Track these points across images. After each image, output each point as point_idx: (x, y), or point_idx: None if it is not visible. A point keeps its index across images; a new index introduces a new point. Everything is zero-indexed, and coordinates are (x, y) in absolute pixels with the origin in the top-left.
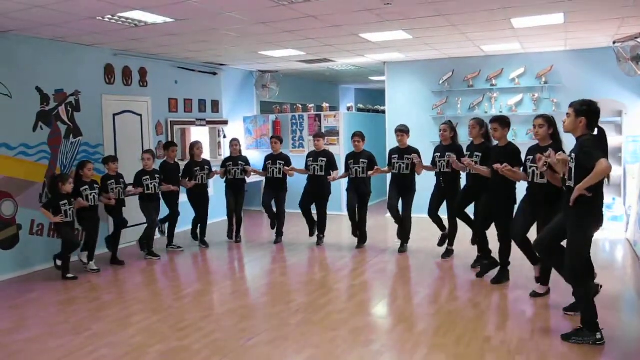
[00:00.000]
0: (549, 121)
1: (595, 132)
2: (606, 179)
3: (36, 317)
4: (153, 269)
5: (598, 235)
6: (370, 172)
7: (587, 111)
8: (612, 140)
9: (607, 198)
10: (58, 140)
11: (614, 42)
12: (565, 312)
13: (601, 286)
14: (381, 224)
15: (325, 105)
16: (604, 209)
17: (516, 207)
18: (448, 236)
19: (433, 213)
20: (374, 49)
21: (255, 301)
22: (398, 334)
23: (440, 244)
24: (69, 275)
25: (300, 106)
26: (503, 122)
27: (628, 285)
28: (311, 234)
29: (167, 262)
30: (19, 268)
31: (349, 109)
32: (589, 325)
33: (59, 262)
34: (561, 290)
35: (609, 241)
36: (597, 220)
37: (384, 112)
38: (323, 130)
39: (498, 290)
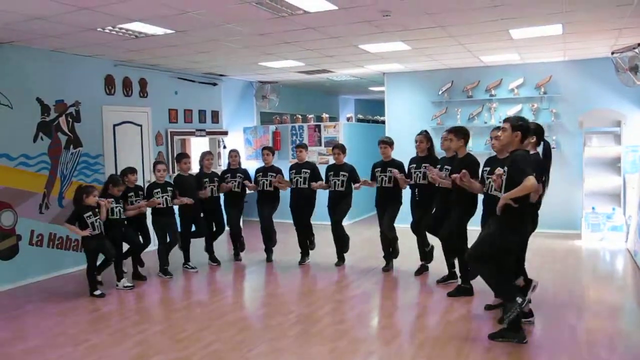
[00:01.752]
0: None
1: (541, 146)
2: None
3: (35, 328)
4: (151, 282)
5: (599, 245)
6: (355, 185)
7: (522, 126)
8: (611, 150)
9: (607, 208)
10: (58, 151)
11: (613, 53)
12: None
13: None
14: (375, 237)
15: (325, 115)
16: (605, 219)
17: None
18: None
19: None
20: (373, 59)
21: (254, 312)
22: (397, 346)
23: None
24: (96, 293)
25: (300, 117)
26: (458, 132)
27: (628, 296)
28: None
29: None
30: (18, 278)
31: (348, 119)
32: (508, 300)
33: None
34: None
35: (609, 251)
36: (520, 232)
37: (383, 122)
38: (322, 140)
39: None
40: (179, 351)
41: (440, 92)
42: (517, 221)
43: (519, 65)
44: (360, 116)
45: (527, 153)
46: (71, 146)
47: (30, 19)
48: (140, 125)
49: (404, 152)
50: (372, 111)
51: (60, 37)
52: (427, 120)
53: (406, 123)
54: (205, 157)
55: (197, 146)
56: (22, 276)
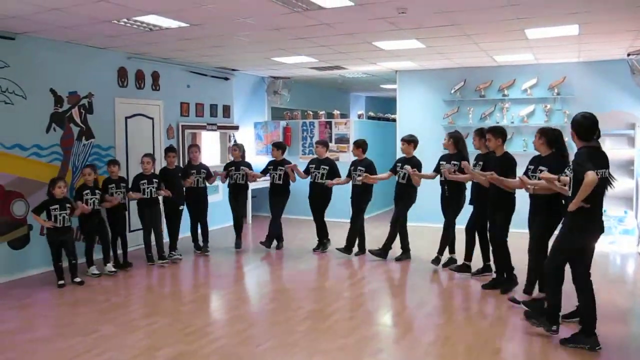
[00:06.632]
0: (542, 133)
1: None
2: (609, 186)
3: (45, 318)
4: (160, 273)
5: (610, 249)
6: (359, 178)
7: (577, 122)
8: (625, 153)
9: (619, 211)
10: (70, 142)
11: (629, 54)
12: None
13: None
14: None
15: (336, 112)
16: (616, 223)
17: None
18: (448, 245)
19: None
20: (386, 57)
21: (262, 308)
22: (406, 344)
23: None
24: (61, 282)
25: (311, 113)
26: (496, 132)
27: (638, 299)
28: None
29: (173, 267)
30: (28, 268)
31: (359, 116)
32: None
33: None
34: (571, 300)
35: (620, 255)
36: (587, 232)
37: (394, 120)
38: (333, 137)
39: (508, 301)
40: (187, 344)
41: (452, 91)
42: (583, 222)
43: (532, 66)
44: (371, 113)
45: (588, 149)
46: (83, 137)
47: (46, 10)
48: (152, 118)
49: (416, 150)
50: (382, 109)
51: (75, 28)
52: (438, 119)
53: (418, 121)
54: (190, 149)
55: (208, 140)
56: (32, 265)
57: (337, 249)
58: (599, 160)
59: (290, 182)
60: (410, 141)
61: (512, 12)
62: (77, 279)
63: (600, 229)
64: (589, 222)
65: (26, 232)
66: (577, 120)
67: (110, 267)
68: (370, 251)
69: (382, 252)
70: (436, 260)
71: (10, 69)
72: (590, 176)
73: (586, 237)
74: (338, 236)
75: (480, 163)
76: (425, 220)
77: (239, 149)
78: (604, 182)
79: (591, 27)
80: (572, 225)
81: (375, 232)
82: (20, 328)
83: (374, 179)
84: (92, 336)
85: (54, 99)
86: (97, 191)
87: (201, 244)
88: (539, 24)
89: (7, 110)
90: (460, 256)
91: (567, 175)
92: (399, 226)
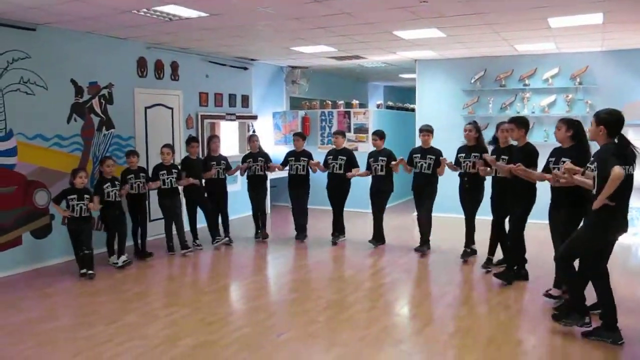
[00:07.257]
0: (567, 123)
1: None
2: None
3: (66, 307)
4: (180, 263)
5: (631, 241)
6: (393, 163)
7: (606, 120)
8: None
9: None
10: (91, 132)
11: None
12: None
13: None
14: (408, 224)
15: (354, 102)
16: (638, 214)
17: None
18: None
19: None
20: (406, 46)
21: (283, 298)
22: (427, 335)
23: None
24: (83, 271)
25: (329, 102)
26: (519, 122)
27: None
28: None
29: (193, 257)
30: (50, 257)
31: (378, 106)
32: (576, 310)
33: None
34: (591, 295)
35: None
36: (609, 230)
37: (413, 110)
38: (352, 127)
39: (529, 293)
40: (209, 334)
41: (472, 81)
42: (604, 221)
43: (554, 55)
44: (390, 103)
45: (612, 145)
46: (104, 128)
47: (67, 0)
48: (172, 108)
49: (435, 140)
50: (401, 98)
51: (95, 19)
52: (458, 109)
53: (437, 111)
54: (210, 140)
55: (227, 130)
56: (54, 255)
57: (369, 241)
58: (625, 157)
59: (312, 172)
60: (432, 131)
61: (535, 0)
62: (89, 271)
63: (624, 227)
64: (613, 220)
65: (48, 222)
66: (603, 117)
67: (124, 258)
68: (415, 249)
69: (424, 247)
70: (465, 254)
71: (32, 59)
72: (617, 170)
73: (607, 237)
74: (357, 226)
75: (504, 157)
76: (446, 210)
77: (257, 139)
78: (629, 179)
79: (616, 16)
80: (594, 224)
81: (393, 223)
82: (42, 317)
83: (405, 166)
84: (113, 325)
85: (75, 89)
86: (117, 182)
87: (222, 234)
88: (563, 12)
89: (29, 100)
90: (483, 249)
91: (592, 171)
92: (426, 217)
